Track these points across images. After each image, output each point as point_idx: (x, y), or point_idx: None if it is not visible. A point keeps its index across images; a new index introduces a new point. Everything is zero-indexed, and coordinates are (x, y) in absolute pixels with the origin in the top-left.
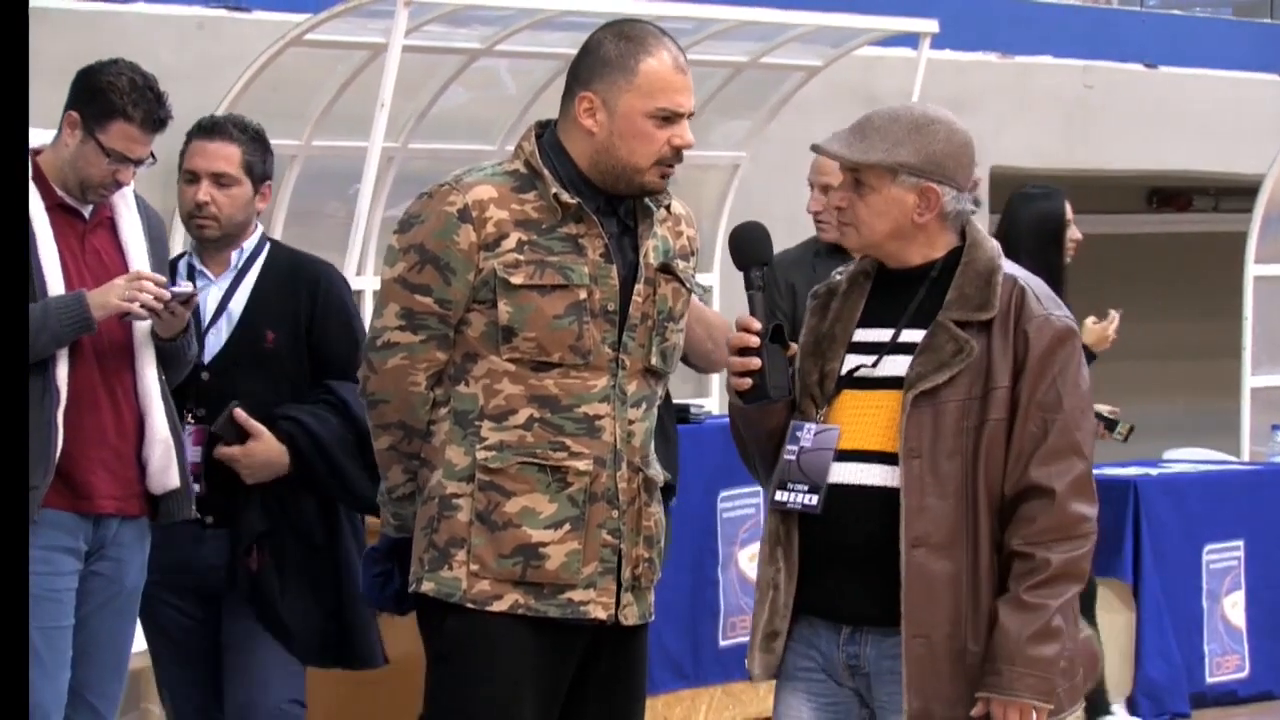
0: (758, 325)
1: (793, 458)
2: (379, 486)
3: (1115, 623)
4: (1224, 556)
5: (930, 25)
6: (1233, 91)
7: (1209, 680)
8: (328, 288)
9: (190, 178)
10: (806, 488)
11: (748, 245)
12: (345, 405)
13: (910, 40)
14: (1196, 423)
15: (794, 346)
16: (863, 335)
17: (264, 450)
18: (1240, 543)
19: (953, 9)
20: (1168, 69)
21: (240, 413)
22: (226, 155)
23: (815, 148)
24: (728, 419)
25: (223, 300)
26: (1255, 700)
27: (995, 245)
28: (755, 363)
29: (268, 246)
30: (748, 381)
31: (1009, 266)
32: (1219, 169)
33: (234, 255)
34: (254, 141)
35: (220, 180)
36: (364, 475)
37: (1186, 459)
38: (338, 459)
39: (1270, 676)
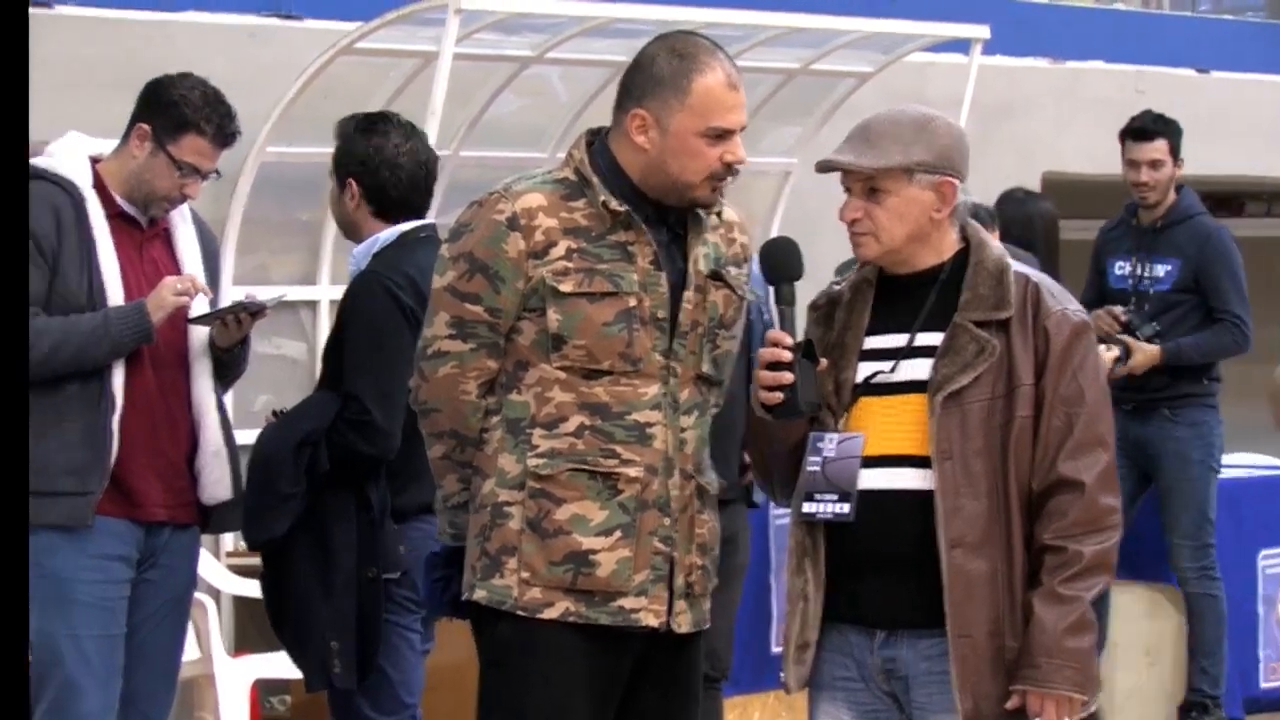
0: (790, 340)
1: (817, 469)
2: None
3: (1167, 629)
4: (1279, 562)
5: (982, 31)
6: None
7: (1263, 686)
8: (347, 296)
9: None
10: (835, 497)
11: (779, 260)
12: (290, 414)
13: (962, 46)
14: (1251, 427)
15: (824, 361)
16: (874, 342)
17: None
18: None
19: (1004, 14)
20: (1219, 74)
21: (269, 417)
22: None
23: (825, 165)
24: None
25: None
26: (1265, 711)
27: (999, 243)
28: (788, 377)
29: (373, 254)
30: (779, 396)
31: (1015, 264)
32: (1271, 173)
33: (351, 261)
34: (339, 139)
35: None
36: (253, 493)
37: (1241, 464)
38: (250, 480)
39: None
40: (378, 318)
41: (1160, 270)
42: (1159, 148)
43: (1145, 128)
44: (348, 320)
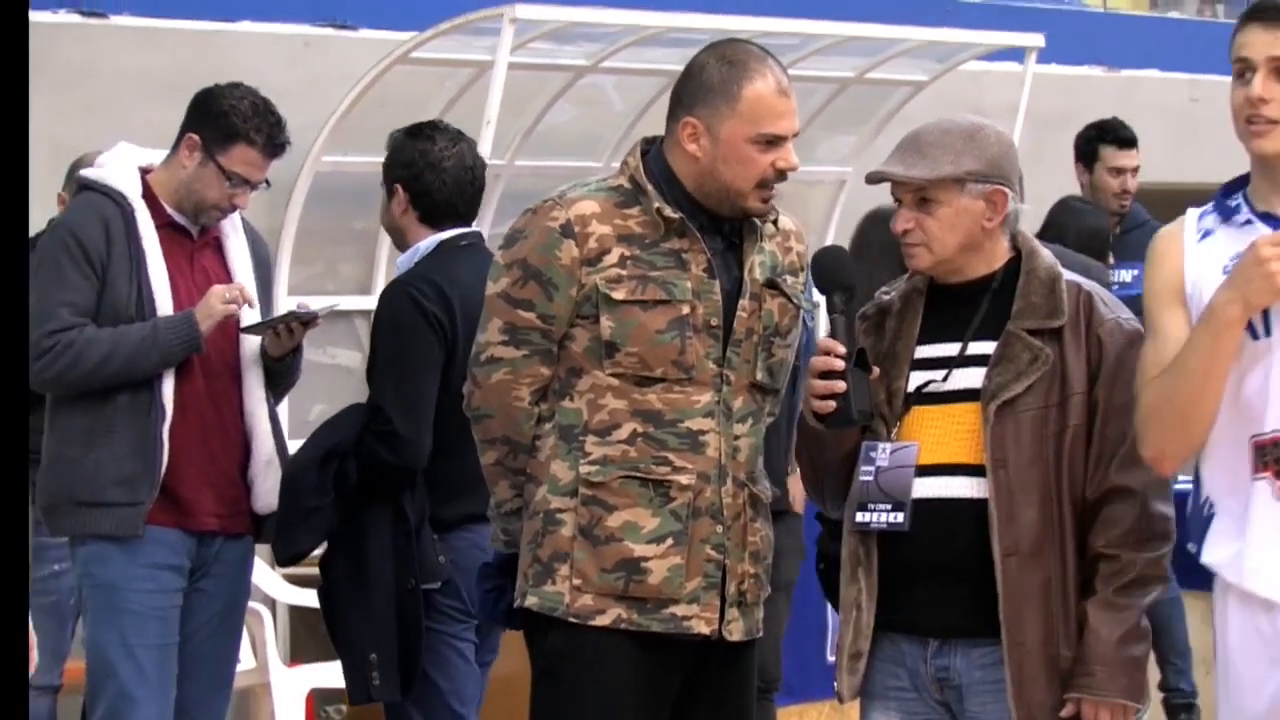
0: (843, 349)
1: (870, 478)
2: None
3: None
4: None
5: (1036, 39)
6: None
7: None
8: (379, 305)
9: None
10: (889, 506)
11: (830, 270)
12: (319, 429)
13: (1016, 54)
14: None
15: (876, 370)
16: (925, 351)
17: None
18: None
19: (1059, 23)
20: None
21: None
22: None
23: (875, 176)
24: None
25: None
26: None
27: (1049, 252)
28: (840, 386)
29: (414, 263)
30: (831, 404)
31: (1067, 273)
32: None
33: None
34: (389, 149)
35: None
36: (281, 508)
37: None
38: (281, 492)
39: None
40: (400, 327)
41: (1128, 275)
42: (1137, 155)
43: (1131, 136)
44: (375, 330)
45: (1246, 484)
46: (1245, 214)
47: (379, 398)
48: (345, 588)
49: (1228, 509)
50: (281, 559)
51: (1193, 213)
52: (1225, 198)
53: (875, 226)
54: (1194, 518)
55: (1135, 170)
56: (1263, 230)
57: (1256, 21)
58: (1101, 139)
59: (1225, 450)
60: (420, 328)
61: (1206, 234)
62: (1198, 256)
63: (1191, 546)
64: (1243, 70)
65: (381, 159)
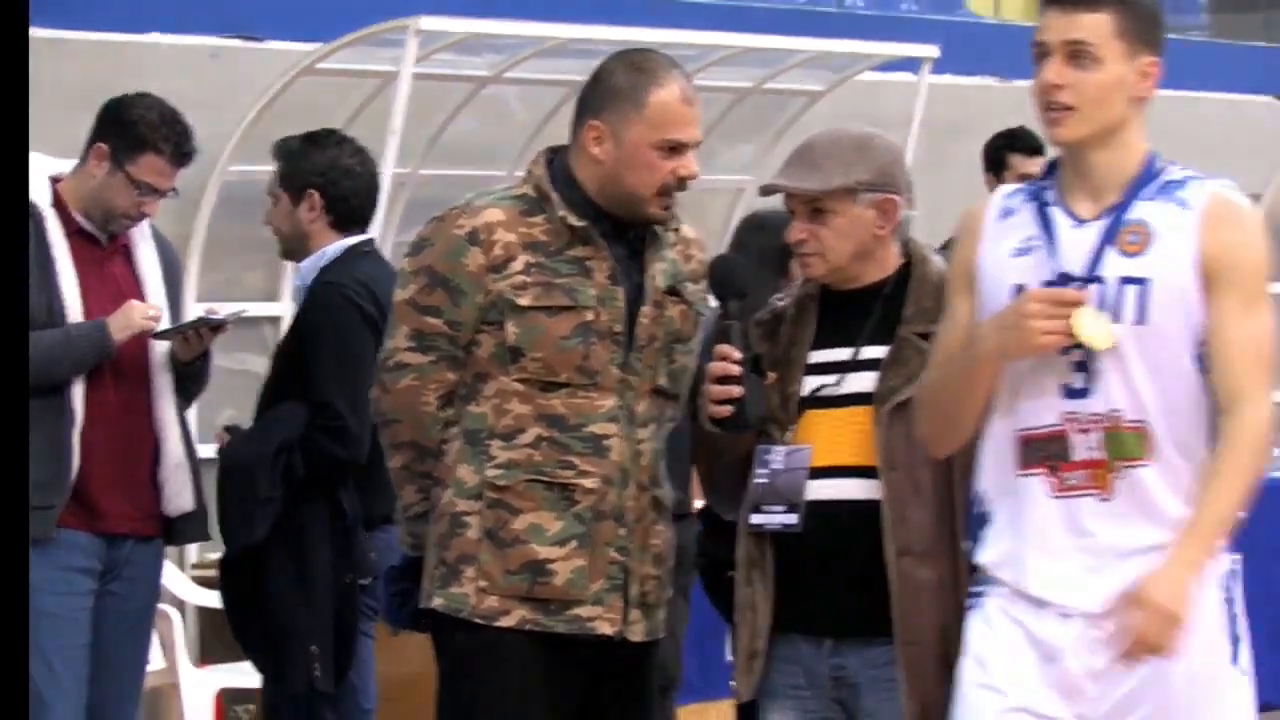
0: (739, 354)
1: (765, 480)
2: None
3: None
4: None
5: (931, 50)
6: (1227, 113)
7: None
8: (308, 308)
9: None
10: (784, 508)
11: (726, 277)
12: (263, 424)
13: (912, 65)
14: None
15: (772, 375)
16: (819, 356)
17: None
18: (1239, 557)
19: (954, 34)
20: (1164, 91)
21: (219, 434)
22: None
23: (769, 189)
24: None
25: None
26: (1259, 711)
27: (939, 259)
28: (738, 391)
29: (334, 263)
30: (727, 409)
31: None
32: None
33: (296, 276)
34: (290, 155)
35: (271, 198)
36: (234, 500)
37: None
38: (226, 488)
39: (1272, 688)
40: (342, 326)
41: None
42: (1042, 161)
43: (1037, 144)
44: (312, 332)
45: (1017, 480)
46: (1049, 197)
47: (327, 395)
48: (286, 581)
49: (1004, 506)
50: (237, 547)
51: (1002, 189)
52: (1044, 177)
53: (752, 232)
54: (972, 515)
55: None
56: (1061, 218)
57: (1053, 5)
58: (1010, 147)
59: (998, 445)
60: (360, 327)
61: (1008, 213)
62: (994, 236)
63: (966, 545)
64: (1040, 55)
65: None
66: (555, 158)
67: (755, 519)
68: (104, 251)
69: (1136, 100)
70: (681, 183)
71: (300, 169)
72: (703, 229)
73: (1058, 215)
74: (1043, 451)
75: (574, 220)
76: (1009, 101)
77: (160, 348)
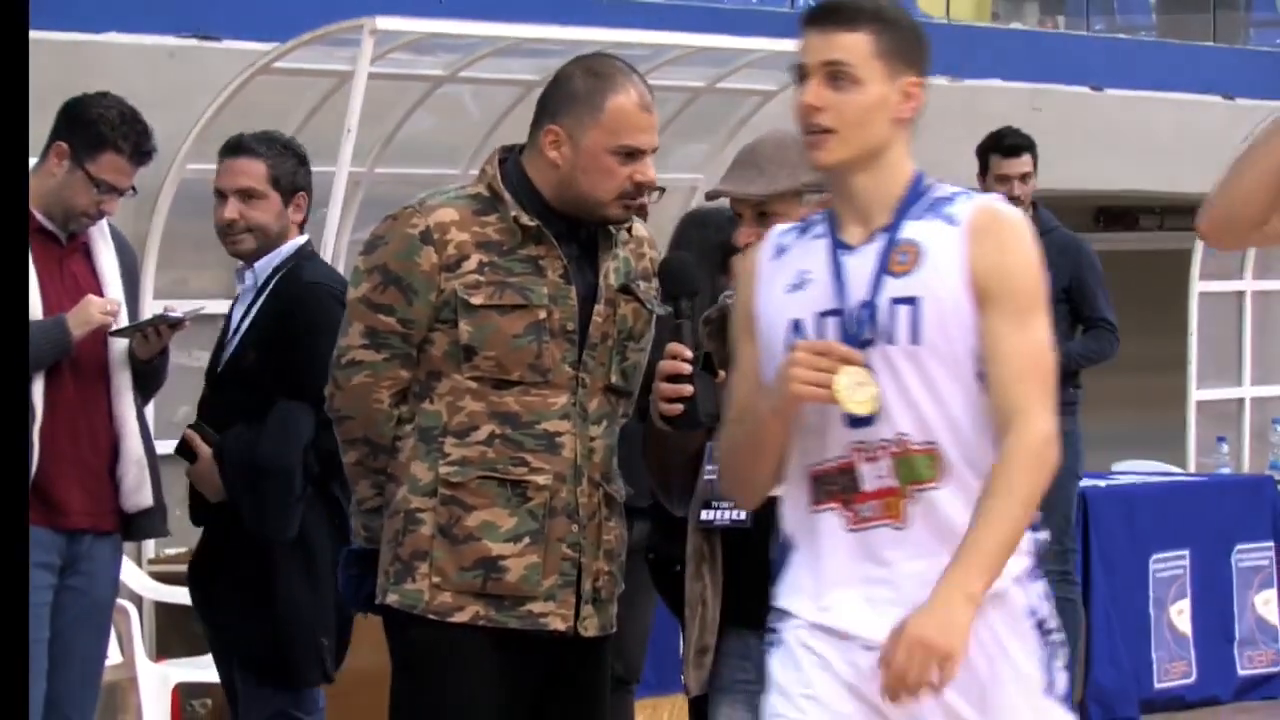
0: (690, 353)
1: (714, 478)
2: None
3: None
4: (1170, 565)
5: None
6: (1176, 113)
7: (1157, 686)
8: (300, 308)
9: (220, 197)
10: (732, 504)
11: (677, 275)
12: (281, 424)
13: None
14: (1144, 435)
15: (722, 374)
16: None
17: (204, 470)
18: (1186, 552)
19: None
20: (1114, 91)
21: (189, 433)
22: (249, 171)
23: (715, 194)
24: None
25: (242, 315)
26: (1202, 705)
27: None
28: (688, 389)
29: (291, 265)
30: (679, 408)
31: None
32: (1164, 188)
33: (248, 274)
34: (281, 155)
35: (247, 196)
36: (277, 500)
37: (1134, 470)
38: (242, 480)
39: (1216, 682)
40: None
41: None
42: (1026, 162)
43: (1017, 143)
44: (310, 332)
45: (812, 518)
46: (819, 228)
47: None
48: (293, 575)
49: (804, 544)
50: (286, 537)
51: (776, 229)
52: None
53: (694, 227)
54: (778, 553)
55: (1024, 177)
56: (829, 248)
57: (811, 25)
58: (993, 148)
59: (793, 483)
60: None
61: (781, 250)
62: (768, 276)
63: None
64: (801, 77)
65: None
66: (509, 157)
67: (705, 515)
68: (63, 250)
69: (900, 121)
70: (639, 189)
71: (298, 170)
72: (655, 227)
73: (826, 245)
74: (833, 485)
75: (526, 220)
76: (958, 101)
77: (119, 345)
